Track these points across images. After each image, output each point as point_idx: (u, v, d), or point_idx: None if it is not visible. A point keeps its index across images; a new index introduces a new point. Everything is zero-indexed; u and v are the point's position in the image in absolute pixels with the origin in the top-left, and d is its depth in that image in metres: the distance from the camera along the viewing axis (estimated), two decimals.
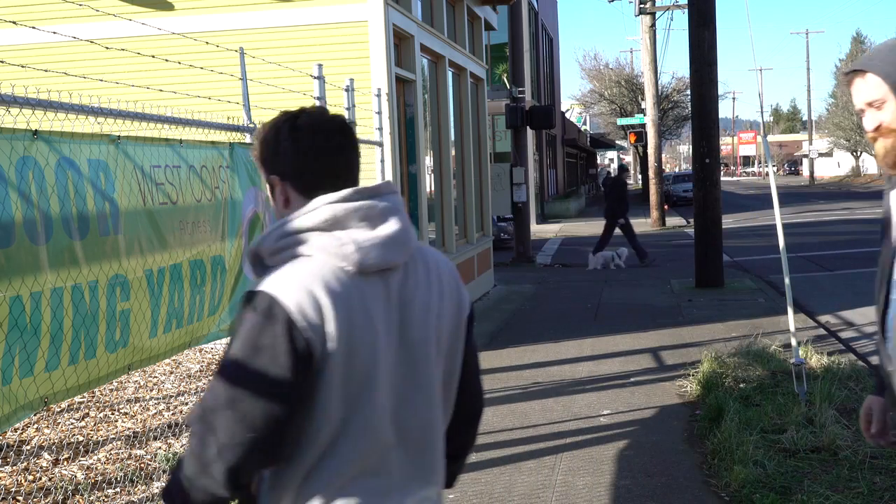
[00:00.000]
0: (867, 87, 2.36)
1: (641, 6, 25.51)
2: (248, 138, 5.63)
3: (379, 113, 8.51)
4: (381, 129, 8.55)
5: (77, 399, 6.48)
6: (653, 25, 25.66)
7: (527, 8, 22.01)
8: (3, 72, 5.18)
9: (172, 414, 6.49)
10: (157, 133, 5.30)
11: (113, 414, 6.48)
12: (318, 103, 6.86)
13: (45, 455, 5.45)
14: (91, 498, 4.81)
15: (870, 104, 2.36)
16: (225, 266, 4.98)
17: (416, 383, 1.85)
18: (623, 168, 18.23)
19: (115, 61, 7.08)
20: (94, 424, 6.21)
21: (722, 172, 34.83)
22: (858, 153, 64.79)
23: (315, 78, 6.87)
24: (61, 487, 4.93)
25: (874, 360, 8.21)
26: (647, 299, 12.23)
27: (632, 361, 8.28)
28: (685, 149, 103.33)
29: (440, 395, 1.90)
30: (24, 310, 3.25)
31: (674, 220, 28.48)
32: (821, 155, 71.37)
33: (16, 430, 5.89)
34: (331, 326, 1.73)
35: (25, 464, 5.30)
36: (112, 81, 5.16)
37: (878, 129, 2.36)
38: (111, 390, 7.05)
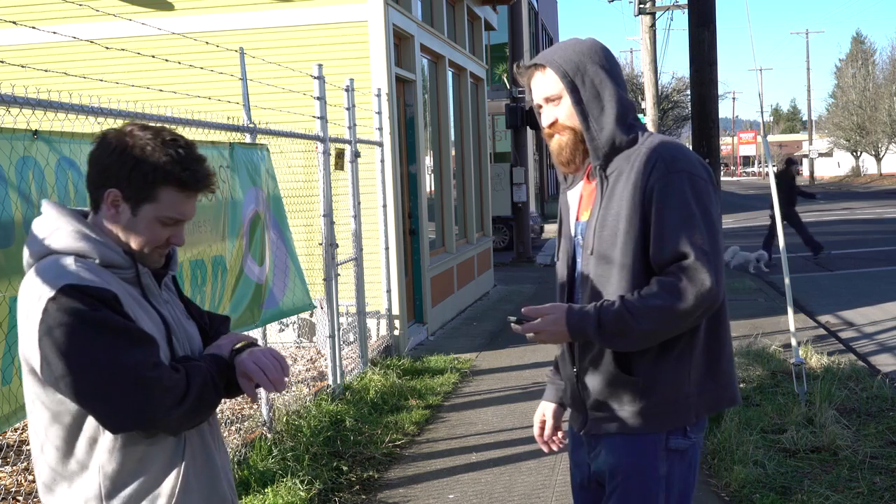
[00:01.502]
0: (546, 82, 2.39)
1: (641, 6, 25.49)
2: (248, 138, 5.63)
3: (379, 113, 8.51)
4: (381, 129, 8.55)
5: None
6: (653, 25, 25.64)
7: (527, 8, 22.01)
8: (3, 72, 5.17)
9: None
10: None
11: None
12: (318, 103, 6.87)
13: None
14: None
15: (547, 99, 2.40)
16: (226, 266, 4.98)
17: None
18: (791, 161, 16.86)
19: (115, 61, 7.08)
20: None
21: (722, 172, 34.76)
22: (858, 153, 64.78)
23: (315, 78, 6.88)
24: None
25: (874, 360, 8.21)
26: None
27: None
28: None
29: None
30: None
31: None
32: (821, 155, 71.33)
33: (16, 430, 5.89)
34: None
35: (25, 464, 5.30)
36: (112, 81, 5.16)
37: (553, 125, 2.40)
38: None
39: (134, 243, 2.00)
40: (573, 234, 2.50)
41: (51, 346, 1.84)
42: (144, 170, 1.94)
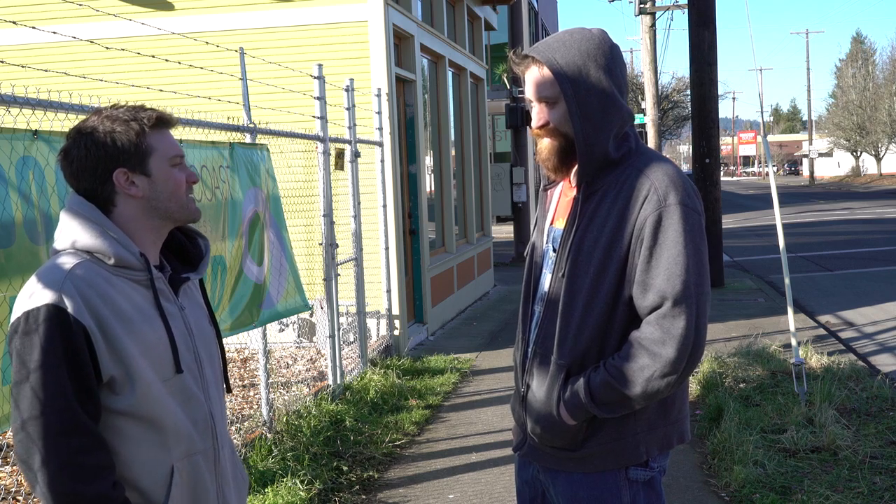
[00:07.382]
0: (542, 82, 2.23)
1: (641, 6, 25.49)
2: (248, 138, 5.63)
3: (379, 113, 8.52)
4: (381, 129, 8.55)
5: None
6: (653, 25, 25.64)
7: (527, 8, 21.96)
8: (3, 72, 5.18)
9: None
10: None
11: None
12: (318, 103, 6.87)
13: None
14: None
15: (542, 99, 2.24)
16: (225, 266, 4.98)
17: None
18: None
19: (115, 61, 7.09)
20: None
21: (722, 172, 34.75)
22: (858, 153, 64.77)
23: (315, 78, 6.88)
24: None
25: (874, 360, 8.21)
26: None
27: None
28: (685, 149, 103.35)
29: None
30: None
31: None
32: (821, 155, 71.34)
33: None
34: None
35: None
36: (112, 81, 5.16)
37: (544, 126, 2.25)
38: None
39: (170, 202, 2.02)
40: (545, 238, 2.39)
41: (13, 351, 1.87)
42: (123, 135, 1.97)
